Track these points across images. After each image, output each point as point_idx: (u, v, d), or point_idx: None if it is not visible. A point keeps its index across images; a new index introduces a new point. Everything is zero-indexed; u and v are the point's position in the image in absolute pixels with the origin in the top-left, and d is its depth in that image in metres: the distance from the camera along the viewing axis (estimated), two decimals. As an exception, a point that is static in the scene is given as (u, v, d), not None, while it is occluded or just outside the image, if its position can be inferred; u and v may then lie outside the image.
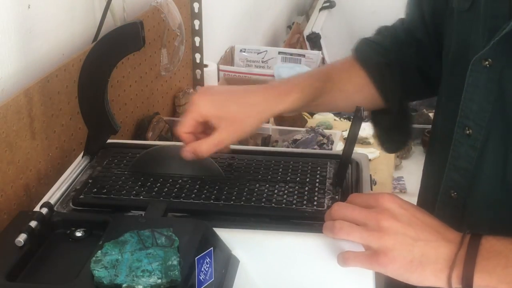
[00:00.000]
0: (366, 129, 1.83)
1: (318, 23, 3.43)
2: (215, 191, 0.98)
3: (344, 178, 1.02)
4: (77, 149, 1.27)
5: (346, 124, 1.93)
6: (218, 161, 1.05)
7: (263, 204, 0.95)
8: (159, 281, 0.76)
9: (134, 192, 0.98)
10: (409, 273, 0.80)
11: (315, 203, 0.96)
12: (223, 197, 0.97)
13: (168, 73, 1.72)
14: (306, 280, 0.94)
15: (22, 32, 1.14)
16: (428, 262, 0.80)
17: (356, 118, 0.95)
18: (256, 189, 0.99)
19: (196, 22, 1.88)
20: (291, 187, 1.00)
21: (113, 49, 0.96)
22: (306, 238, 0.93)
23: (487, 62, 0.88)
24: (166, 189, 0.99)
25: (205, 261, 0.81)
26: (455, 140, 0.94)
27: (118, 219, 0.90)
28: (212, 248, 0.83)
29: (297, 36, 3.20)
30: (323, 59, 3.05)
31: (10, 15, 1.10)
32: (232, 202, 0.96)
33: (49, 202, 0.90)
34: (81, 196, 0.97)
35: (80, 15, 1.35)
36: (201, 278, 0.79)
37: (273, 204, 0.95)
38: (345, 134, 1.58)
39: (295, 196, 0.97)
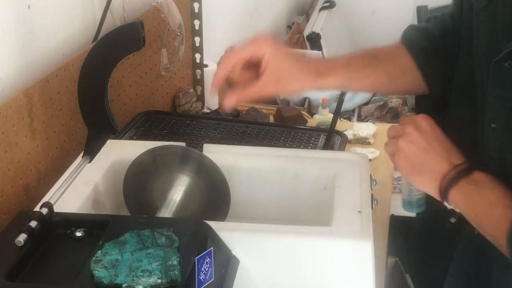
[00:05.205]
0: (366, 129, 1.84)
1: (318, 23, 3.43)
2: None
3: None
4: (77, 149, 1.27)
5: (346, 124, 1.93)
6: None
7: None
8: (159, 281, 0.76)
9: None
10: (411, 174, 0.98)
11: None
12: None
13: (168, 73, 1.71)
14: (306, 280, 0.94)
15: (22, 32, 1.14)
16: (427, 170, 0.96)
17: (339, 100, 1.37)
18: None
19: (196, 22, 1.88)
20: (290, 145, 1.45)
21: (113, 49, 0.96)
22: (306, 238, 0.93)
23: (507, 64, 0.91)
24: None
25: (205, 261, 0.81)
26: (483, 133, 0.98)
27: (118, 219, 0.90)
28: (212, 248, 0.83)
29: (297, 36, 3.20)
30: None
31: (10, 15, 1.10)
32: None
33: (49, 202, 0.90)
34: None
35: (80, 15, 1.35)
36: (201, 278, 0.79)
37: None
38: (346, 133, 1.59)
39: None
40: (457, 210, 0.97)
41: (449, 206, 0.96)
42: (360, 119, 2.92)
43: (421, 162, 0.96)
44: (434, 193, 0.96)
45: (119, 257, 0.79)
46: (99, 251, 0.80)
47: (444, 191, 0.94)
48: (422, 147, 0.97)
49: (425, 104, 1.17)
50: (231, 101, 1.05)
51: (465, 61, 1.05)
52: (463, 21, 1.06)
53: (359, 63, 1.10)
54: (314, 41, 3.24)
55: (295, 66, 1.05)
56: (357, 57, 1.12)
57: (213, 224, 0.90)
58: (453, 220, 1.06)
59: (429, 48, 1.12)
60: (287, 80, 1.05)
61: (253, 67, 1.06)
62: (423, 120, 0.98)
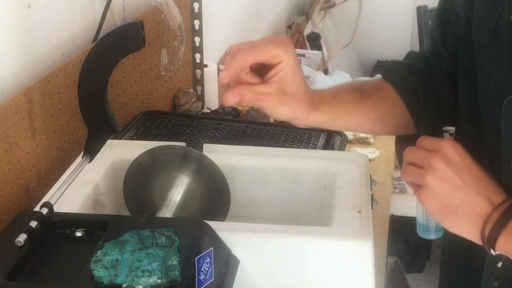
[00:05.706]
0: (366, 129, 1.84)
1: (318, 23, 3.43)
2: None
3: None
4: (77, 149, 1.27)
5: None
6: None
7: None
8: (159, 281, 0.76)
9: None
10: (442, 216, 0.85)
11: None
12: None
13: (168, 73, 1.71)
14: (306, 280, 0.94)
15: (22, 32, 1.14)
16: (463, 213, 0.83)
17: None
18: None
19: (196, 22, 1.88)
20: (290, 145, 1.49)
21: (113, 49, 0.96)
22: (306, 238, 0.93)
23: None
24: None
25: (205, 261, 0.81)
26: (504, 174, 0.91)
27: (118, 219, 0.90)
28: (212, 248, 0.83)
29: (297, 36, 3.19)
30: (323, 59, 3.05)
31: (10, 15, 1.10)
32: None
33: (49, 202, 0.90)
34: None
35: (80, 15, 1.35)
36: (201, 278, 0.79)
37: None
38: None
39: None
40: (505, 254, 0.84)
41: (495, 253, 0.83)
42: (360, 119, 2.91)
43: (455, 204, 0.83)
44: (475, 238, 0.84)
45: (119, 257, 0.79)
46: (99, 251, 0.80)
47: (490, 238, 0.82)
48: (454, 186, 0.83)
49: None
50: (235, 99, 0.90)
51: (468, 98, 0.99)
52: (460, 59, 0.99)
53: (346, 98, 1.02)
54: (314, 41, 3.24)
55: (302, 88, 0.95)
56: (343, 92, 1.03)
57: (213, 224, 0.90)
58: (500, 264, 0.95)
59: (417, 82, 1.04)
60: (289, 98, 0.93)
61: (258, 69, 0.94)
62: (451, 149, 0.85)
